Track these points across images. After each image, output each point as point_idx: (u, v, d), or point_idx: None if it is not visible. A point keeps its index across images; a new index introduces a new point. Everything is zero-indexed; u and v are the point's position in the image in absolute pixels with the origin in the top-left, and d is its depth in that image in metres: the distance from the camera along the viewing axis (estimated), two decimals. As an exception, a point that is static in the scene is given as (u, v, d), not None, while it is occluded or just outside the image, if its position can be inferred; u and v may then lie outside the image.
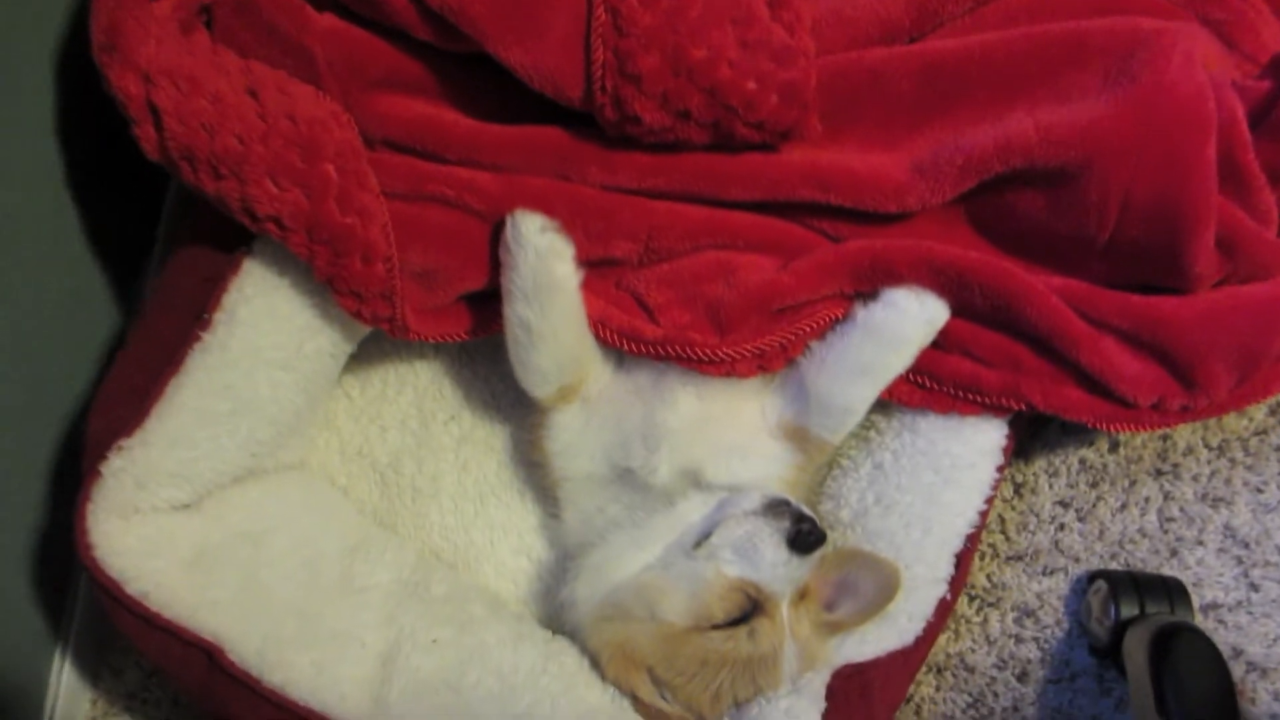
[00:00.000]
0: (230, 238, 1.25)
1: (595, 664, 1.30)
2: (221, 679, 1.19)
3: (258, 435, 1.29)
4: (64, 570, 1.43)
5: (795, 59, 1.22)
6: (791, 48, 1.22)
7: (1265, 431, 1.44)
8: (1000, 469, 1.36)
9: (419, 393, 1.53)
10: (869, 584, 1.30)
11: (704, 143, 1.26)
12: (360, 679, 1.23)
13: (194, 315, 1.23)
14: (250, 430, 1.28)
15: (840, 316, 1.31)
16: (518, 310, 1.24)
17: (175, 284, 1.28)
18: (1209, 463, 1.45)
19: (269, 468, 1.37)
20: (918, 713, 1.46)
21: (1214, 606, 1.40)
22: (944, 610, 1.34)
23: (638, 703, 1.26)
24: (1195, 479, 1.44)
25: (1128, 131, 1.19)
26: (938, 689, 1.46)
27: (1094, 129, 1.19)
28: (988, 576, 1.47)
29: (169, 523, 1.23)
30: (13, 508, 1.35)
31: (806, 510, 1.24)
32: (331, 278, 1.21)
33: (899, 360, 1.29)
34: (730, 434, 1.32)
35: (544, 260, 1.22)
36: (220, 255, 1.26)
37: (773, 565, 1.21)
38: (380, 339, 1.43)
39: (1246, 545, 1.41)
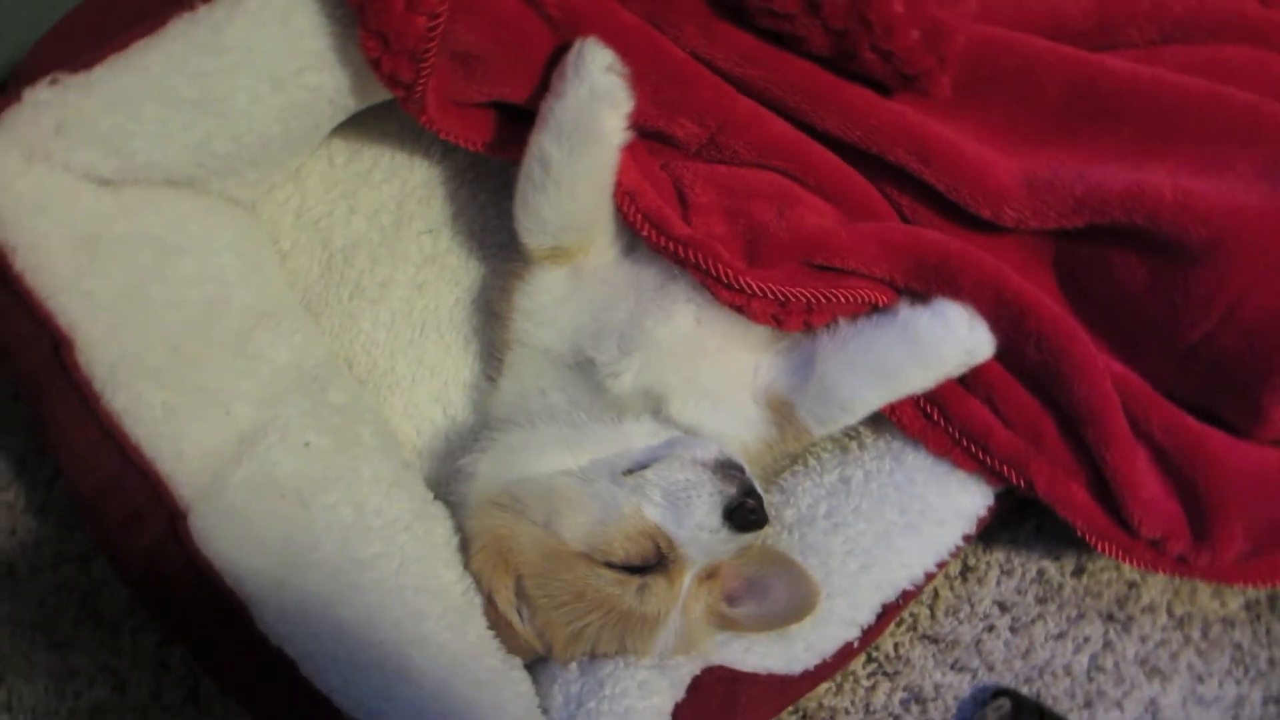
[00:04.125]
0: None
1: (465, 546, 1.20)
2: (59, 378, 1.08)
3: (213, 145, 1.16)
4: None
5: (954, 2, 1.13)
6: None
7: (1233, 623, 1.39)
8: (967, 539, 1.27)
9: (406, 191, 1.42)
10: (782, 595, 1.21)
11: (821, 51, 1.16)
12: (208, 447, 1.11)
13: (200, -20, 1.10)
14: (207, 135, 1.15)
15: (881, 305, 1.21)
16: (544, 144, 1.13)
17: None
18: (1164, 629, 1.39)
19: (212, 190, 1.25)
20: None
21: (1105, 774, 1.35)
22: (844, 656, 1.26)
23: (489, 605, 1.16)
24: (1143, 640, 1.39)
25: (1270, 232, 1.11)
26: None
27: (1235, 215, 1.12)
28: (895, 645, 1.40)
29: (76, 189, 1.11)
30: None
31: (758, 487, 1.14)
32: (363, 8, 1.07)
33: (922, 379, 1.19)
34: (712, 375, 1.21)
35: (596, 102, 1.11)
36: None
37: (698, 527, 1.11)
38: (388, 117, 1.31)
39: (1164, 729, 1.36)
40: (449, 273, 1.40)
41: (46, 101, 1.05)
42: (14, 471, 1.41)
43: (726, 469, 1.12)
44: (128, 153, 1.12)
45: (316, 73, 1.15)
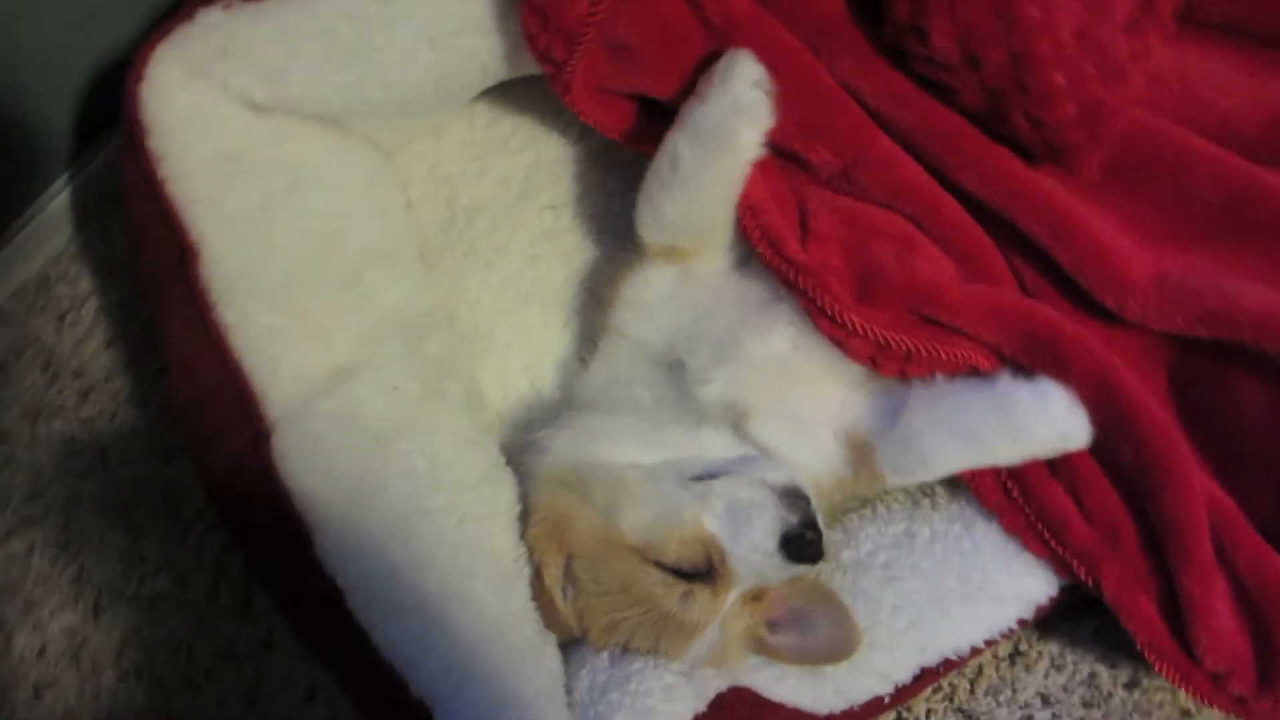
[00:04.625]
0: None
1: (525, 517, 1.21)
2: (179, 285, 1.12)
3: (363, 90, 1.19)
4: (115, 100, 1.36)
5: (1120, 83, 1.09)
6: (1124, 70, 1.09)
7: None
8: (1022, 623, 1.23)
9: (538, 163, 1.43)
10: (823, 633, 1.19)
11: (973, 107, 1.13)
12: (303, 373, 1.14)
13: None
14: (359, 79, 1.18)
15: (980, 369, 1.17)
16: (679, 144, 1.13)
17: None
18: (1206, 772, 1.31)
19: (354, 131, 1.28)
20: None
21: None
22: (873, 709, 1.23)
23: (536, 578, 1.17)
24: (1183, 772, 1.31)
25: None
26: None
27: None
28: (928, 711, 1.36)
29: (228, 109, 1.15)
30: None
31: (821, 521, 1.12)
32: (531, -20, 1.09)
33: (1009, 453, 1.15)
34: (799, 401, 1.19)
35: (737, 114, 1.11)
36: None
37: (752, 548, 1.10)
38: (534, 90, 1.33)
39: None
40: (563, 250, 1.41)
41: (217, 24, 1.10)
42: (124, 362, 1.47)
43: (793, 497, 1.11)
44: (282, 83, 1.15)
45: (473, 37, 1.17)
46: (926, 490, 1.29)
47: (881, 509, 1.31)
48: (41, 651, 1.40)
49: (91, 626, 1.40)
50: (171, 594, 1.40)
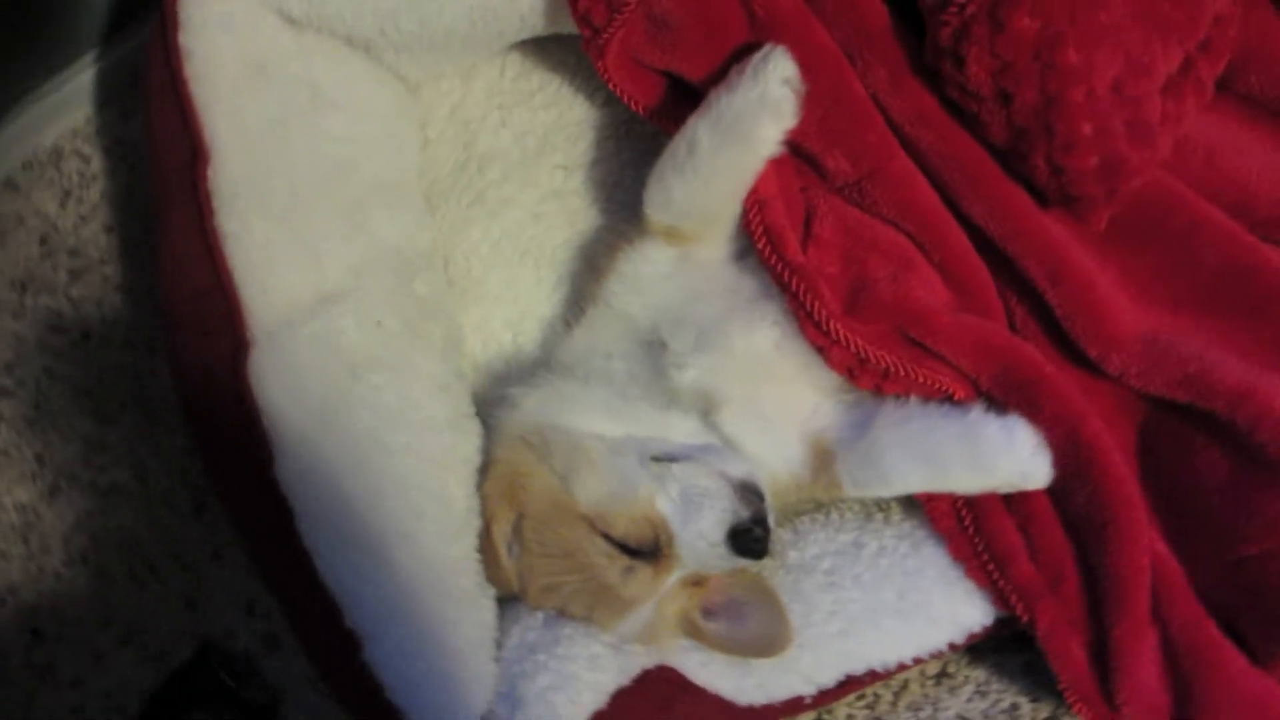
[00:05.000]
0: None
1: (483, 469, 1.21)
2: (185, 185, 1.12)
3: (399, 20, 1.19)
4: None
5: (1146, 144, 1.08)
6: (1153, 132, 1.08)
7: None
8: (953, 646, 1.25)
9: (559, 123, 1.42)
10: (756, 627, 1.20)
11: (996, 140, 1.13)
12: (291, 293, 1.14)
13: None
14: (396, 8, 1.17)
15: (955, 399, 1.18)
16: (699, 129, 1.13)
17: None
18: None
19: (384, 61, 1.28)
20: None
21: None
22: (793, 707, 1.25)
23: (485, 531, 1.18)
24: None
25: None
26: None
27: None
28: (848, 717, 1.38)
29: (264, 18, 1.15)
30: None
31: (771, 521, 1.13)
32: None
33: (969, 482, 1.17)
34: (771, 400, 1.20)
35: (762, 109, 1.10)
36: None
37: (700, 535, 1.12)
38: (569, 50, 1.34)
39: None
40: (568, 212, 1.40)
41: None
42: (121, 249, 1.47)
43: (748, 492, 1.12)
44: (321, 0, 1.15)
45: (514, -14, 1.16)
46: (881, 505, 1.30)
47: (835, 516, 1.32)
48: (-7, 523, 1.42)
49: (46, 506, 1.41)
50: (129, 487, 1.41)
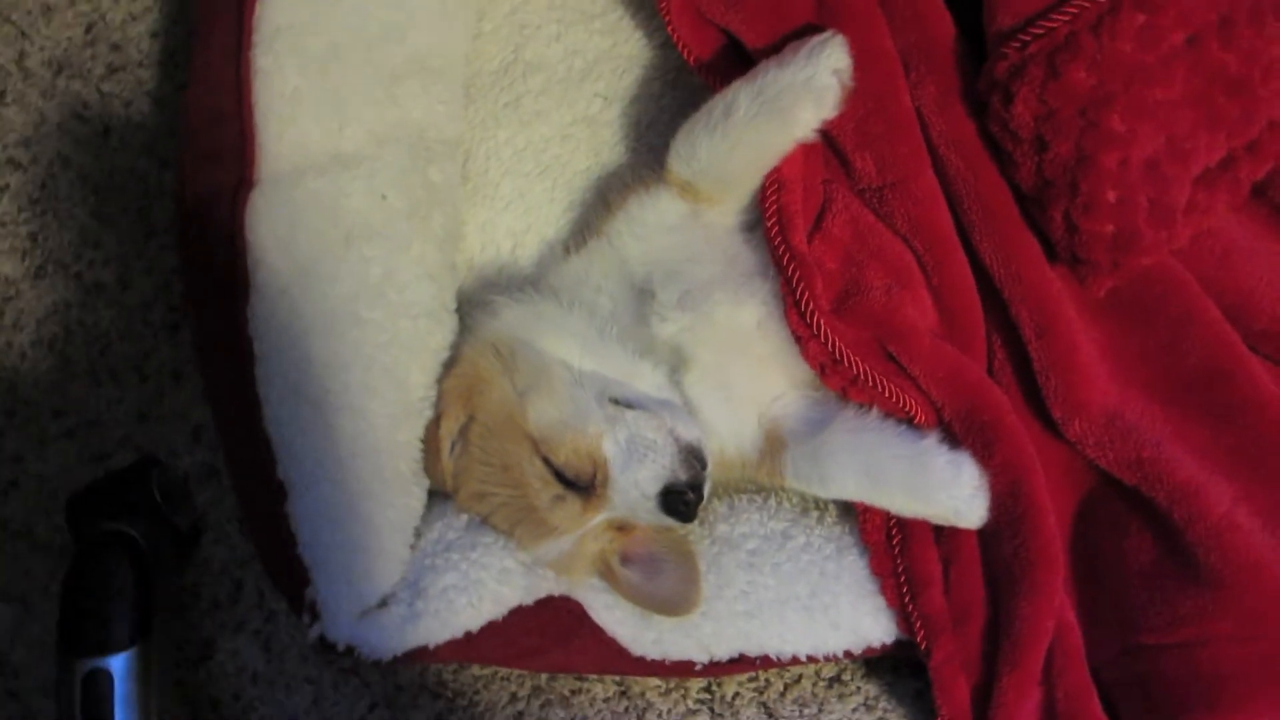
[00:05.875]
0: None
1: (448, 364, 1.23)
2: (232, 7, 1.13)
3: None
4: None
5: (1165, 226, 1.09)
6: (1174, 217, 1.09)
7: None
8: (849, 655, 1.27)
9: (611, 52, 1.42)
10: (667, 585, 1.22)
11: (1021, 184, 1.14)
12: (306, 144, 1.14)
13: None
14: None
15: (916, 423, 1.19)
16: (740, 94, 1.13)
17: None
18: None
19: None
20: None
21: None
22: (682, 669, 1.26)
23: (433, 424, 1.19)
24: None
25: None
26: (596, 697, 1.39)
27: (1259, 573, 1.10)
28: (735, 694, 1.39)
29: None
30: None
31: (706, 490, 1.16)
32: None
33: (904, 505, 1.18)
34: (740, 376, 1.21)
35: (806, 93, 1.11)
36: None
37: (635, 485, 1.14)
38: None
39: None
40: (596, 141, 1.40)
41: None
42: (161, 57, 1.48)
43: (691, 456, 1.14)
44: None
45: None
46: (819, 504, 1.31)
47: (772, 503, 1.32)
48: (-29, 288, 1.43)
49: (28, 285, 1.43)
50: (111, 289, 1.42)
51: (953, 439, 1.18)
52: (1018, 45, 1.06)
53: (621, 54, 1.42)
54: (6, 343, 1.42)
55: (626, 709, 1.34)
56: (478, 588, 1.13)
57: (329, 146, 1.16)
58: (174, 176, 1.41)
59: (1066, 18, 1.05)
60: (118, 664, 1.18)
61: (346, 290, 1.13)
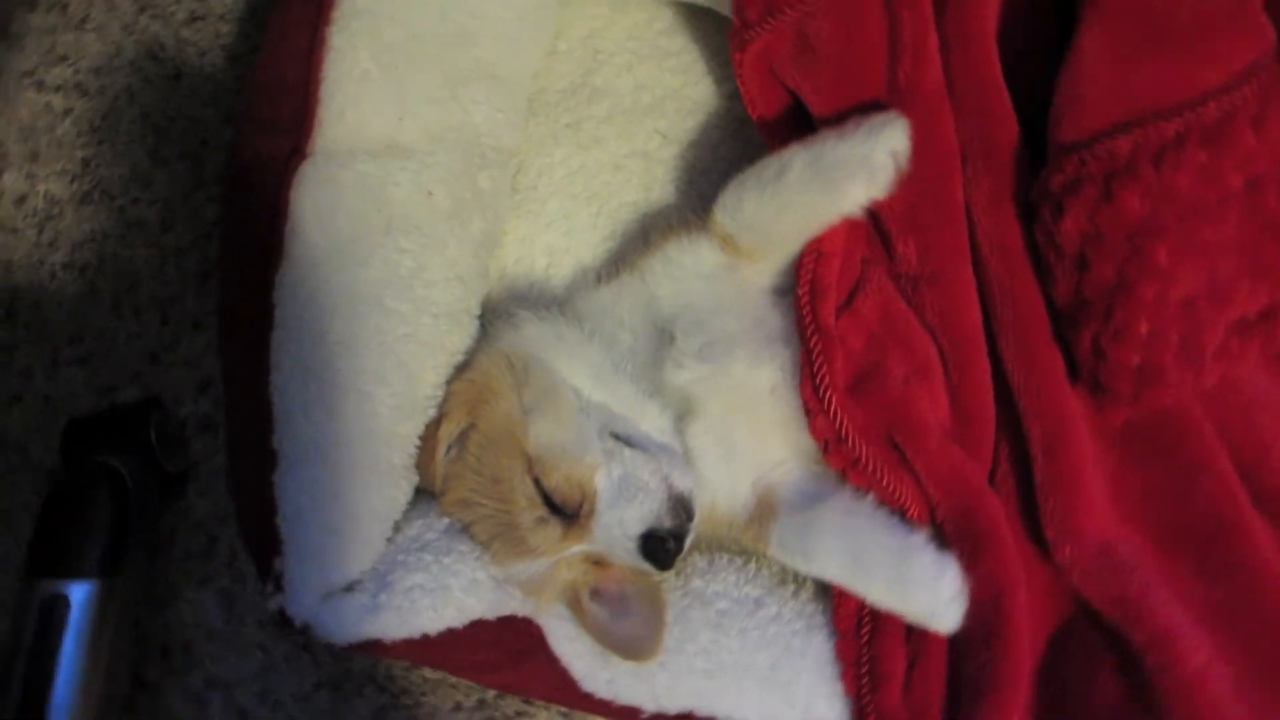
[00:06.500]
0: None
1: (461, 367, 1.23)
2: (304, 31, 1.14)
3: None
4: None
5: (1192, 367, 1.08)
6: (1202, 359, 1.07)
7: None
8: None
9: (680, 92, 1.43)
10: (632, 629, 1.21)
11: (1056, 298, 1.13)
12: (364, 127, 1.16)
13: None
14: None
15: (909, 518, 1.17)
16: (796, 158, 1.13)
17: None
18: None
19: None
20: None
21: None
22: (626, 714, 1.24)
23: (433, 423, 1.19)
24: None
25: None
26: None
27: None
28: None
29: None
30: None
31: (688, 543, 1.15)
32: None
33: (880, 597, 1.16)
34: (744, 437, 1.20)
35: (861, 169, 1.11)
36: None
37: (618, 523, 1.14)
38: (719, 32, 1.33)
39: None
40: (648, 178, 1.40)
41: None
42: (241, 16, 1.52)
43: (680, 505, 1.14)
44: None
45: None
46: (797, 577, 1.29)
47: (751, 567, 1.31)
48: (21, 200, 1.45)
49: (72, 208, 1.45)
50: (152, 228, 1.44)
51: (942, 540, 1.16)
52: (1077, 161, 1.05)
53: (688, 96, 1.42)
54: (40, 260, 1.44)
55: (567, 741, 1.33)
56: (444, 593, 1.12)
57: (386, 135, 1.17)
58: (233, 132, 1.42)
59: (1129, 143, 1.04)
60: (79, 592, 1.18)
61: (377, 276, 1.13)
